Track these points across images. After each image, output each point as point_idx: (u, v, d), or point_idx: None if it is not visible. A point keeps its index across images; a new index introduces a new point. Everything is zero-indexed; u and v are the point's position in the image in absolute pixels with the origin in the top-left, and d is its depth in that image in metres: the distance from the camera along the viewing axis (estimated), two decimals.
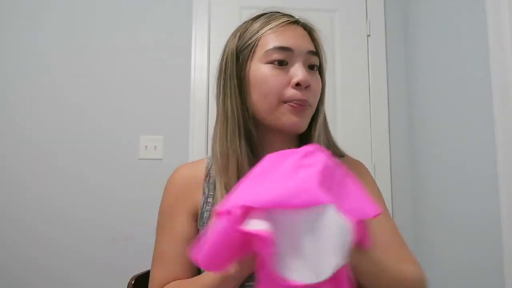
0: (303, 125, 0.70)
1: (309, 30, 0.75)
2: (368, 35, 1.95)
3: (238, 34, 0.74)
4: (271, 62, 0.69)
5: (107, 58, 1.83)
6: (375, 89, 1.91)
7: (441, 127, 1.59)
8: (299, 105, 0.68)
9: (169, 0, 1.90)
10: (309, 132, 0.74)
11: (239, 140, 0.69)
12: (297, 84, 0.68)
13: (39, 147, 1.75)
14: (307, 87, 0.68)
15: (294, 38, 0.70)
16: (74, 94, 1.78)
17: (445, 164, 1.55)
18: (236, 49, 0.73)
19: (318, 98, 0.73)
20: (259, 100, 0.69)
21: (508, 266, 1.18)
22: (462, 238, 1.42)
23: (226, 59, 0.74)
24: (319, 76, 0.73)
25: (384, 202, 0.78)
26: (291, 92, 0.68)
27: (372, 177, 0.80)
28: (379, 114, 1.90)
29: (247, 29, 0.73)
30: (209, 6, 1.90)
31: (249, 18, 0.76)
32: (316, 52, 0.73)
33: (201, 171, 0.76)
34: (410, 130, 1.86)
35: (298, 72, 0.68)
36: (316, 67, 0.72)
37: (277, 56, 0.68)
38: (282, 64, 0.69)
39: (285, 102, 0.68)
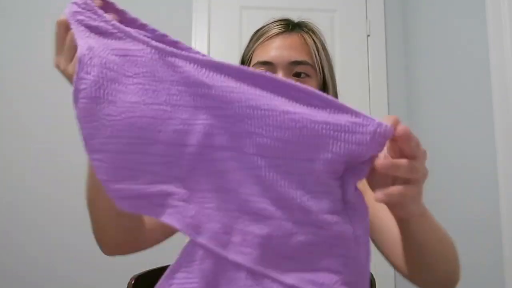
0: None
1: (303, 36, 0.75)
2: (368, 35, 1.95)
3: (244, 50, 0.80)
4: None
5: None
6: (375, 89, 1.92)
7: (441, 127, 1.59)
8: None
9: (169, 0, 1.90)
10: None
11: None
12: None
13: (43, 146, 1.75)
14: None
15: (275, 51, 0.72)
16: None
17: (444, 164, 1.55)
18: (240, 63, 0.80)
19: None
20: None
21: (508, 266, 1.18)
22: (462, 238, 1.42)
23: None
24: (310, 83, 0.73)
25: None
26: None
27: None
28: (379, 114, 1.90)
29: (247, 45, 0.79)
30: (209, 6, 1.90)
31: (257, 28, 0.79)
32: (303, 61, 0.72)
33: None
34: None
35: None
36: (304, 75, 0.72)
37: (259, 70, 0.72)
38: None
39: None
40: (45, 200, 1.72)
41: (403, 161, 0.39)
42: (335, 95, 0.78)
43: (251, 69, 0.41)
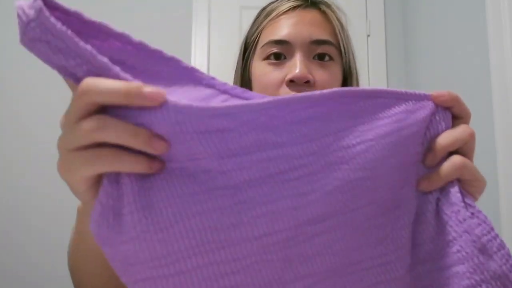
0: None
1: (324, 12, 0.62)
2: (368, 35, 1.95)
3: (247, 31, 0.67)
4: (268, 58, 0.59)
5: None
6: None
7: None
8: None
9: (169, 0, 1.90)
10: None
11: None
12: (292, 81, 0.55)
13: (43, 146, 1.75)
14: (307, 83, 0.55)
15: (292, 28, 0.58)
16: None
17: None
18: (243, 48, 0.67)
19: None
20: None
21: None
22: None
23: (236, 61, 0.69)
24: (334, 67, 0.59)
25: None
26: (284, 91, 0.56)
27: None
28: None
29: (252, 24, 0.66)
30: (209, 6, 1.90)
31: (262, 7, 0.67)
32: (327, 40, 0.59)
33: None
34: None
35: (293, 66, 0.56)
36: (327, 57, 0.59)
37: (272, 50, 0.59)
38: (279, 58, 0.58)
39: None
40: (45, 200, 1.72)
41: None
42: (357, 83, 0.65)
43: (317, 92, 0.30)
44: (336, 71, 0.59)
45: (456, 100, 0.34)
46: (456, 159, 0.33)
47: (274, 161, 0.29)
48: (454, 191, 0.32)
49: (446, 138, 0.33)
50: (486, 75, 1.29)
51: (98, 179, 0.29)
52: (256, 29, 0.64)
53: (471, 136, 0.34)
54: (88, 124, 0.27)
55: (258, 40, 0.63)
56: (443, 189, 0.33)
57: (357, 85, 0.65)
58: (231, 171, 0.28)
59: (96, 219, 0.27)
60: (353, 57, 0.64)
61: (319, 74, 0.57)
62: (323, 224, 0.29)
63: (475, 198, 0.35)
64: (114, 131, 0.26)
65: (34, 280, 1.68)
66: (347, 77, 0.63)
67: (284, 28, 0.59)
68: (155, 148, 0.27)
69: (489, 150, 1.27)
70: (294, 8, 0.60)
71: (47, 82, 1.79)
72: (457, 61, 1.49)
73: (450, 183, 0.33)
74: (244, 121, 0.28)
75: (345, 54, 0.61)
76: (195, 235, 0.26)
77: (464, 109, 0.35)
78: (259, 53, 0.61)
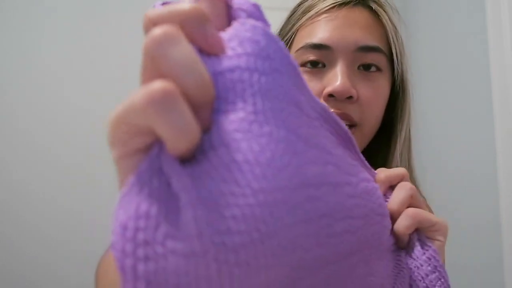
0: None
1: (376, 11, 0.52)
2: None
3: (280, 28, 0.57)
4: (303, 65, 0.50)
5: (108, 58, 1.83)
6: None
7: (441, 128, 1.59)
8: None
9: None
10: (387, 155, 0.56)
11: None
12: (331, 95, 0.47)
13: (43, 147, 1.75)
14: (350, 98, 0.47)
15: (335, 30, 0.49)
16: (77, 93, 1.78)
17: (444, 164, 1.55)
18: None
19: (375, 113, 0.50)
20: None
21: (508, 266, 1.18)
22: (462, 239, 1.42)
23: None
24: (382, 80, 0.50)
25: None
26: None
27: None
28: None
29: (286, 21, 0.56)
30: None
31: (300, 1, 0.56)
32: (376, 47, 0.49)
33: None
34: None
35: (333, 78, 0.47)
36: (374, 68, 0.49)
37: (308, 57, 0.49)
38: (316, 65, 0.49)
39: None
40: (47, 202, 1.72)
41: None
42: (409, 103, 0.55)
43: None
44: (384, 84, 0.51)
45: (387, 182, 0.33)
46: (408, 211, 0.32)
47: (331, 166, 0.22)
48: (415, 246, 0.33)
49: (395, 203, 0.32)
50: (486, 75, 1.29)
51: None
52: (291, 28, 0.53)
53: (412, 190, 0.33)
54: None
55: (292, 41, 0.53)
56: (407, 246, 0.33)
57: (409, 105, 0.55)
58: (305, 165, 0.19)
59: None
60: (407, 68, 0.54)
61: (363, 88, 0.48)
62: (337, 265, 0.22)
63: (441, 242, 0.35)
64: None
65: (34, 279, 1.67)
66: (398, 92, 0.54)
67: (325, 29, 0.49)
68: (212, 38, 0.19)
69: (489, 150, 1.27)
70: (339, 6, 0.50)
71: (46, 82, 1.79)
72: (457, 62, 1.49)
73: (411, 238, 0.33)
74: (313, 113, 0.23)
75: (398, 64, 0.52)
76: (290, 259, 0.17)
77: (395, 177, 0.33)
78: (293, 57, 0.52)
